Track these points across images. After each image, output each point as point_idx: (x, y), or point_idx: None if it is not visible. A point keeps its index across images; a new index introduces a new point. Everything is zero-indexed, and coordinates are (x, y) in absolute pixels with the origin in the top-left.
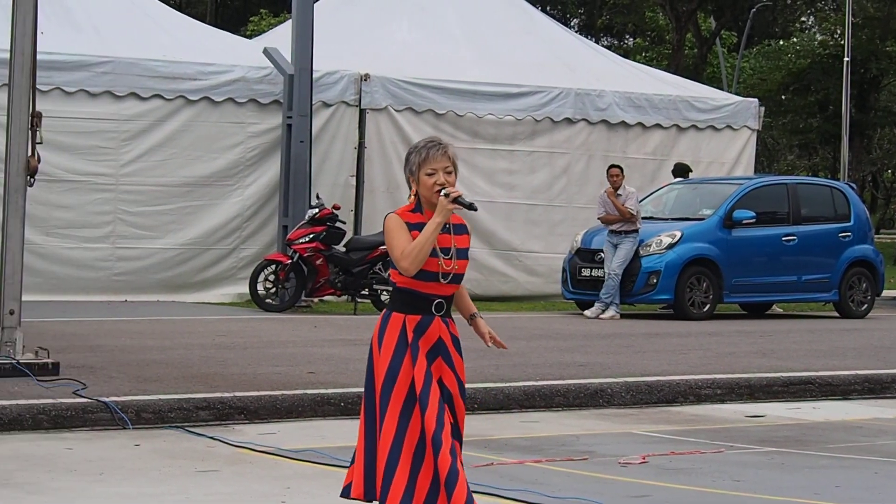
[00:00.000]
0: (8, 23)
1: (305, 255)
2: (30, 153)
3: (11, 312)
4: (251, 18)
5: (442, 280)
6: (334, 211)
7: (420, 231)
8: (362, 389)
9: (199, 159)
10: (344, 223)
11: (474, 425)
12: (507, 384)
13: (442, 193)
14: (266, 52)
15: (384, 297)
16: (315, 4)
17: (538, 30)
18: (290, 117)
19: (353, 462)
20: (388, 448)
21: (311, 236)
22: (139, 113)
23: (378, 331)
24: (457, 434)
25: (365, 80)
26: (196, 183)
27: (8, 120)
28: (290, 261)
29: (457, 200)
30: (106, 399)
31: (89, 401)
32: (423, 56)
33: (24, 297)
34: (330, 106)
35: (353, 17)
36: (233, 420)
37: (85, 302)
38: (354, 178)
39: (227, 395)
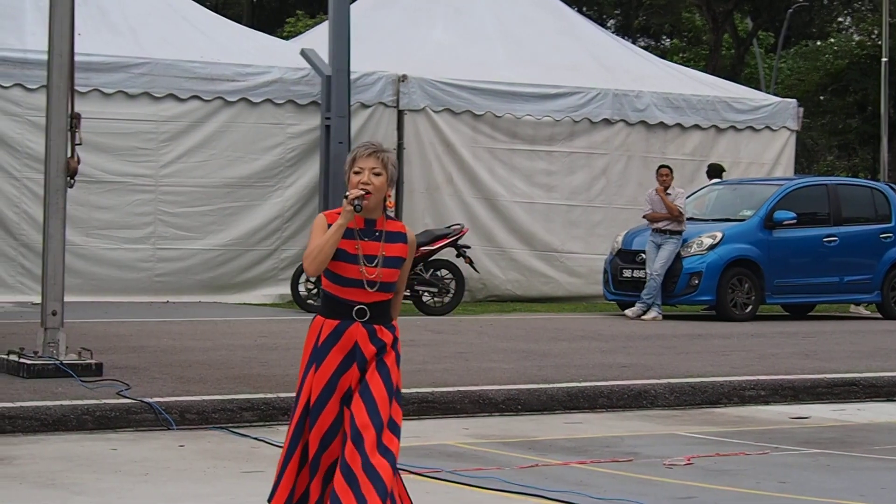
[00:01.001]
0: (46, 25)
1: None
2: (69, 154)
3: (54, 313)
4: (288, 20)
5: (368, 288)
6: None
7: (343, 236)
8: (406, 391)
9: (239, 160)
10: None
11: (518, 426)
12: (551, 385)
13: (345, 196)
14: (303, 53)
15: (426, 298)
16: (351, 5)
17: (574, 31)
18: (328, 118)
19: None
20: (282, 456)
21: None
22: (178, 114)
23: (306, 336)
24: (360, 448)
25: (402, 81)
26: (236, 184)
27: (47, 121)
28: None
29: (352, 202)
30: (150, 400)
31: (133, 401)
32: (459, 57)
33: (67, 298)
34: (368, 107)
35: (388, 18)
36: (276, 421)
37: (126, 303)
38: None
39: (270, 395)
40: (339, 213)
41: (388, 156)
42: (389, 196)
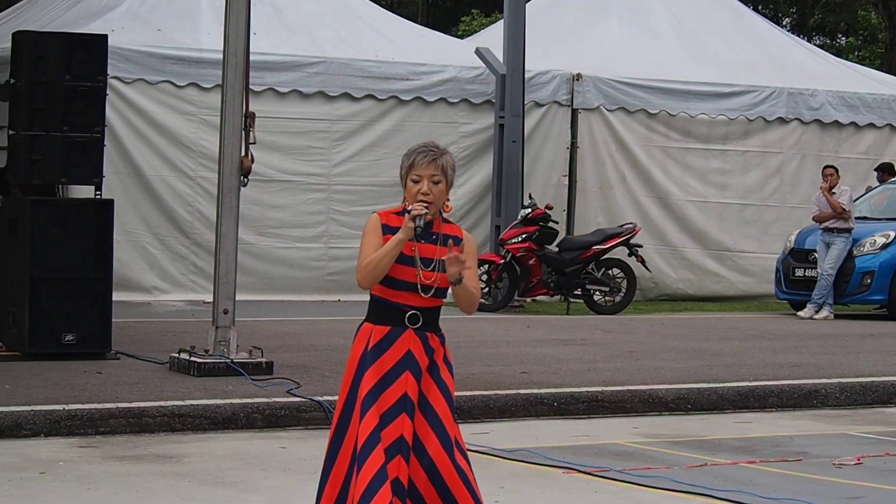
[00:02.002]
0: (221, 24)
1: (518, 254)
2: (243, 153)
3: (226, 312)
4: (462, 18)
5: (422, 293)
6: (547, 211)
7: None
8: (576, 390)
9: None
10: (556, 223)
11: (688, 426)
12: (721, 385)
13: (406, 210)
14: (478, 52)
15: (597, 297)
16: (527, 4)
17: (750, 29)
18: (502, 117)
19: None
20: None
21: (524, 236)
22: (351, 113)
23: (352, 345)
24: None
25: (577, 79)
26: None
27: (221, 120)
28: (502, 260)
29: (414, 219)
30: (320, 398)
31: (303, 400)
32: (634, 55)
33: (238, 297)
34: (542, 106)
35: (563, 17)
36: None
37: (298, 301)
38: (567, 178)
39: None
40: (395, 213)
41: (446, 160)
42: (447, 200)
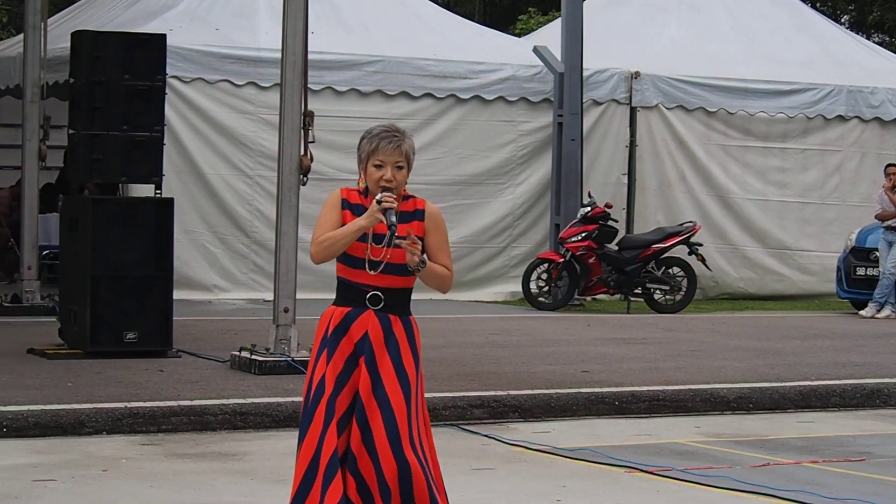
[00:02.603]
0: (279, 23)
1: (578, 253)
2: (302, 152)
3: (286, 310)
4: (520, 17)
5: (369, 269)
6: (606, 209)
7: (353, 213)
8: (637, 389)
9: (470, 158)
10: (616, 221)
11: (750, 425)
12: (783, 384)
13: (375, 199)
14: (536, 50)
15: (657, 296)
16: (584, 2)
17: (808, 26)
18: (560, 115)
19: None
20: (307, 460)
21: (584, 235)
22: (410, 112)
23: (317, 328)
24: (369, 445)
25: (635, 77)
26: (467, 181)
27: (280, 119)
28: (562, 259)
29: (385, 212)
30: None
31: None
32: (692, 53)
33: (298, 296)
34: (600, 104)
35: (621, 15)
36: (507, 418)
37: None
38: (626, 177)
39: (501, 393)
40: (357, 192)
41: (409, 145)
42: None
